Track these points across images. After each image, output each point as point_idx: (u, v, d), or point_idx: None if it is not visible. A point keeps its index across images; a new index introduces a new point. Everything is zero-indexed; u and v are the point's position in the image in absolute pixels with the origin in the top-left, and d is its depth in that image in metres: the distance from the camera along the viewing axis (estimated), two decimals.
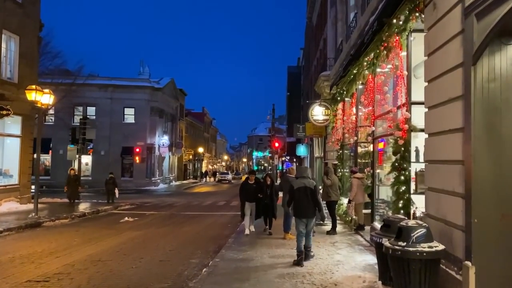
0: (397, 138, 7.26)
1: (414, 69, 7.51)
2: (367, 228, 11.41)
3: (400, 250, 4.89)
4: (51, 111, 36.38)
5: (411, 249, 4.83)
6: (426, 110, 6.29)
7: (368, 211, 12.55)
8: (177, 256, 9.18)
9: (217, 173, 68.57)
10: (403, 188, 7.02)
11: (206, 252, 9.57)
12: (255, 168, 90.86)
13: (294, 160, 42.53)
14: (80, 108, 38.44)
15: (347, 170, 14.36)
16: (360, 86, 12.24)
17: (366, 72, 9.57)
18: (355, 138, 12.14)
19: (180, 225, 14.44)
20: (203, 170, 67.52)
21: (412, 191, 7.15)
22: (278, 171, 48.42)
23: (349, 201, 11.48)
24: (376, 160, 9.83)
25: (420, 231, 4.99)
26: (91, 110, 38.78)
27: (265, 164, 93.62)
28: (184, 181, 52.71)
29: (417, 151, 7.39)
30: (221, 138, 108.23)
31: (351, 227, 11.58)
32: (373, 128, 9.65)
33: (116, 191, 21.72)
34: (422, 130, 7.19)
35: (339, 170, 14.40)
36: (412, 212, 7.10)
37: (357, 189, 11.30)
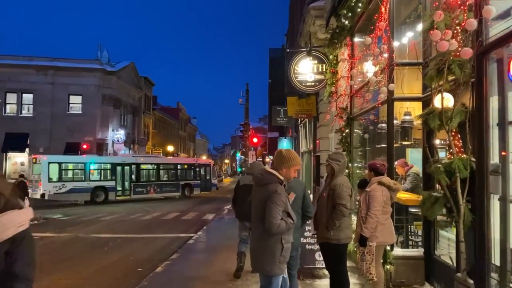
0: None
1: None
2: None
3: None
4: None
5: None
6: None
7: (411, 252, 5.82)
8: None
9: None
10: None
11: None
12: (239, 170, 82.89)
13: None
14: (14, 96, 31.44)
15: (361, 166, 8.01)
16: None
17: None
18: (392, 86, 5.38)
19: (55, 268, 7.75)
20: None
21: None
22: None
23: (363, 242, 4.56)
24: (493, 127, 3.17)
25: None
26: (28, 98, 31.68)
27: None
28: None
29: None
30: (201, 138, 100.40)
31: None
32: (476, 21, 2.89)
33: (27, 200, 15.46)
34: None
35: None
36: None
37: (382, 211, 4.60)
